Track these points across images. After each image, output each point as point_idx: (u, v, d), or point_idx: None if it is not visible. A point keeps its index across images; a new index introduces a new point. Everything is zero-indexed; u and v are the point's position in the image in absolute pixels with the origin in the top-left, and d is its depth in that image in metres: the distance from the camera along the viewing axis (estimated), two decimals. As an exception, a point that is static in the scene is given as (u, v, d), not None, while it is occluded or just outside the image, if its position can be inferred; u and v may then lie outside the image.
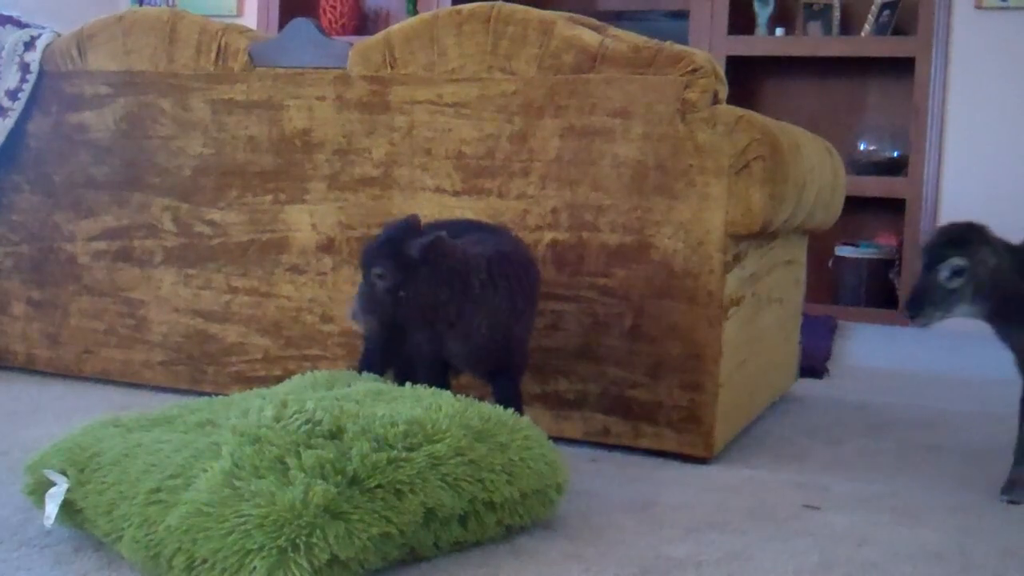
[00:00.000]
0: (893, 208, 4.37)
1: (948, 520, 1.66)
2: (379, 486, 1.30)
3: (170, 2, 5.54)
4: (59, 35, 2.53)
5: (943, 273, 1.69)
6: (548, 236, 2.02)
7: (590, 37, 1.99)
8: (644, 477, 1.85)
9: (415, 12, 4.97)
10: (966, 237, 1.70)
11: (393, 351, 1.98)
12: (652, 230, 1.95)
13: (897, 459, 2.06)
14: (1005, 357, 1.80)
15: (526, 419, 1.57)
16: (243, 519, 1.22)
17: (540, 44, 2.01)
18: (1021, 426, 1.79)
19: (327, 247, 2.22)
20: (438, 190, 2.11)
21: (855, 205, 3.76)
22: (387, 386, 1.64)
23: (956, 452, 2.14)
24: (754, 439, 2.15)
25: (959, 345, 3.69)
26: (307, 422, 1.38)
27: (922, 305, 1.70)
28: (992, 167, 4.21)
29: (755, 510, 1.67)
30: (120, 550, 1.33)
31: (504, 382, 1.81)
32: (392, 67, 2.14)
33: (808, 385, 2.78)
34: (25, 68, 2.49)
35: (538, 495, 1.49)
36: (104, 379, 2.45)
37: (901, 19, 4.38)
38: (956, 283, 1.69)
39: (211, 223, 2.33)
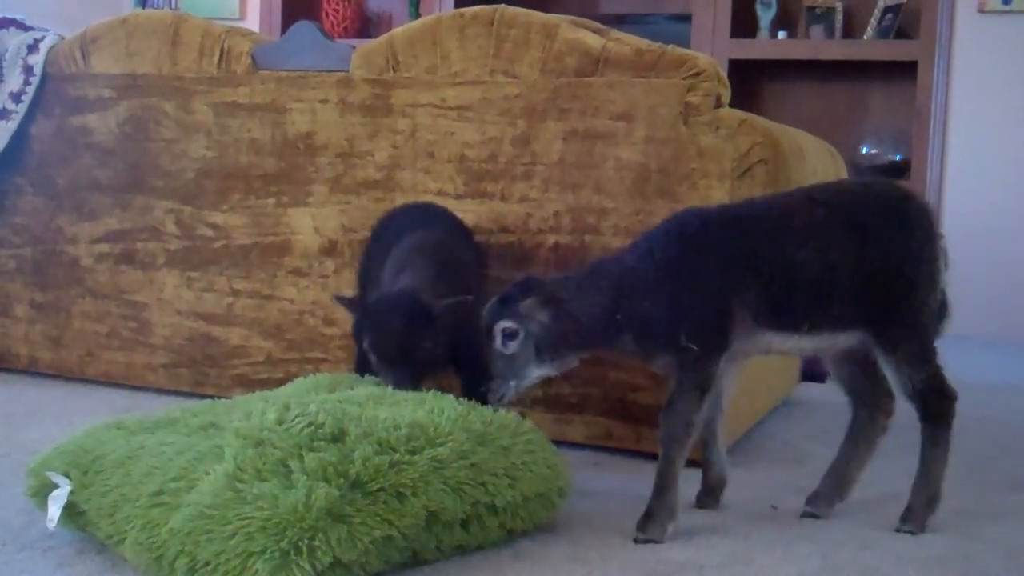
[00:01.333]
0: (895, 212, 4.36)
1: (951, 524, 1.65)
2: (381, 489, 1.30)
3: (173, 5, 5.55)
4: (62, 38, 2.54)
5: (496, 341, 1.57)
6: (551, 239, 2.02)
7: (593, 40, 1.99)
8: (646, 481, 1.84)
9: (417, 15, 4.98)
10: (512, 297, 1.57)
11: None
12: (654, 233, 1.95)
13: (898, 464, 2.05)
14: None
15: (528, 423, 1.57)
16: (246, 522, 1.22)
17: (543, 47, 2.01)
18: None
19: (329, 250, 2.22)
20: (440, 193, 2.10)
21: (857, 209, 3.75)
22: (389, 389, 1.64)
23: (958, 456, 2.12)
24: (756, 443, 2.15)
25: (959, 349, 3.67)
26: (309, 425, 1.37)
27: (490, 379, 1.58)
28: (994, 170, 4.20)
29: (757, 514, 1.67)
30: (123, 552, 1.33)
31: (473, 374, 1.83)
32: (395, 70, 2.14)
33: (809, 389, 2.77)
34: (28, 71, 2.49)
35: (540, 499, 1.49)
36: (106, 382, 2.45)
37: (904, 23, 4.38)
38: (513, 347, 1.57)
39: (214, 226, 2.33)
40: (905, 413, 2.50)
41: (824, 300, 1.56)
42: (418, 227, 1.91)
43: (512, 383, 1.59)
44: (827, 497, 1.68)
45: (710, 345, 1.56)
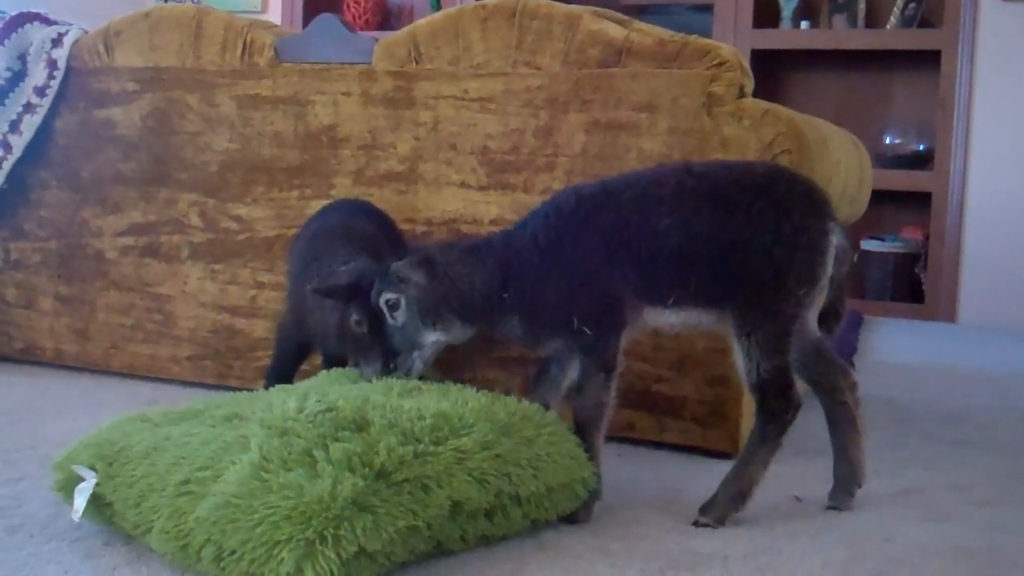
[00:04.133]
0: (919, 202, 4.34)
1: (976, 516, 1.65)
2: (406, 480, 1.31)
3: (195, -2, 5.56)
4: (86, 32, 2.55)
5: (386, 315, 1.60)
6: (573, 231, 2.02)
7: (615, 31, 1.99)
8: (670, 472, 1.85)
9: (439, 7, 4.98)
10: (390, 271, 1.59)
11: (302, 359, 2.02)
12: (677, 224, 1.94)
13: (924, 454, 2.05)
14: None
15: (552, 414, 1.57)
16: (271, 511, 1.23)
17: (565, 38, 2.01)
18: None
19: (352, 242, 2.22)
20: (463, 185, 2.11)
21: (881, 199, 3.74)
22: (413, 381, 1.64)
23: (983, 447, 2.12)
24: (780, 434, 2.14)
25: (985, 340, 3.66)
26: (334, 414, 1.38)
27: (386, 356, 1.61)
28: (1019, 160, 4.17)
29: (781, 505, 1.67)
30: (149, 542, 1.34)
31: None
32: (417, 62, 2.14)
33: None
34: (52, 65, 2.51)
35: (564, 489, 1.49)
36: (131, 374, 2.47)
37: (927, 11, 4.35)
38: (400, 316, 1.60)
39: (237, 218, 2.34)
40: (920, 404, 2.49)
41: (685, 272, 1.53)
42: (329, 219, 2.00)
43: (415, 353, 1.61)
44: (844, 487, 1.65)
45: (604, 325, 1.55)
